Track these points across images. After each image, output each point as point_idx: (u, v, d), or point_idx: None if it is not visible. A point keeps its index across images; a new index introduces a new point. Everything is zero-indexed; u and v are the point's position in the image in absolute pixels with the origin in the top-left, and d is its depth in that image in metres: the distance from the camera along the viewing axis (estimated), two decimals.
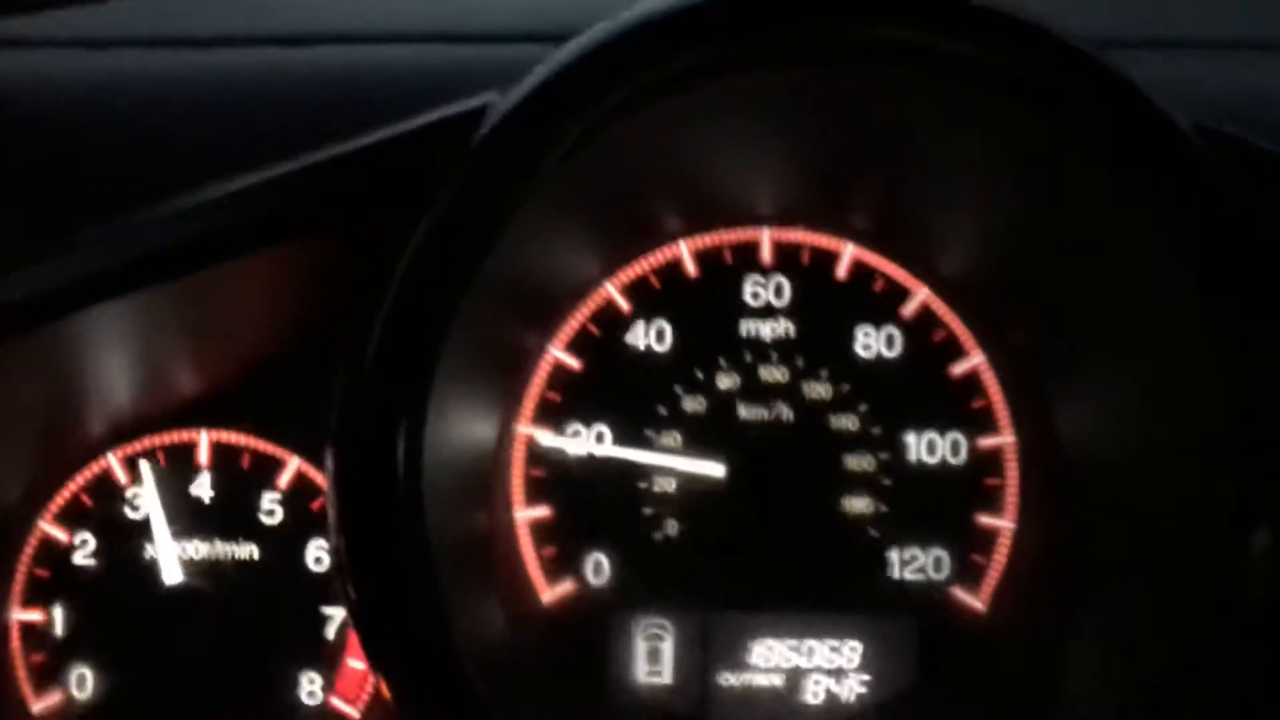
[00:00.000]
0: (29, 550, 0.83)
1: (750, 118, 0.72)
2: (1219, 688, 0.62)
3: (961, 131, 0.70)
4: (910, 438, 0.83)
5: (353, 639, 0.82)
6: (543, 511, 0.82)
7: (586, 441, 0.83)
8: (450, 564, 0.65)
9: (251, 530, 0.83)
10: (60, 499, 0.83)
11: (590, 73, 0.61)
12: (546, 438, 0.83)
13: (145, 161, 0.74)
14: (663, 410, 0.83)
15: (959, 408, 0.83)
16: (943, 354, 0.83)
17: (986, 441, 0.83)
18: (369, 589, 0.59)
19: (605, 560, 0.82)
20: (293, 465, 0.83)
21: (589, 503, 0.83)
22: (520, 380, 0.82)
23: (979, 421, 0.83)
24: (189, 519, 0.83)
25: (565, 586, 0.82)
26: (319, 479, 0.83)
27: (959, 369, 0.83)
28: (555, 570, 0.82)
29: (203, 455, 0.83)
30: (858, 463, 0.83)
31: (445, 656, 0.58)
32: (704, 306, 0.83)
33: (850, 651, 0.82)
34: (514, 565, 0.82)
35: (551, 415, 0.83)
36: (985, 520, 0.83)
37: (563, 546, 0.82)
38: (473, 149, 0.62)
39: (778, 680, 0.82)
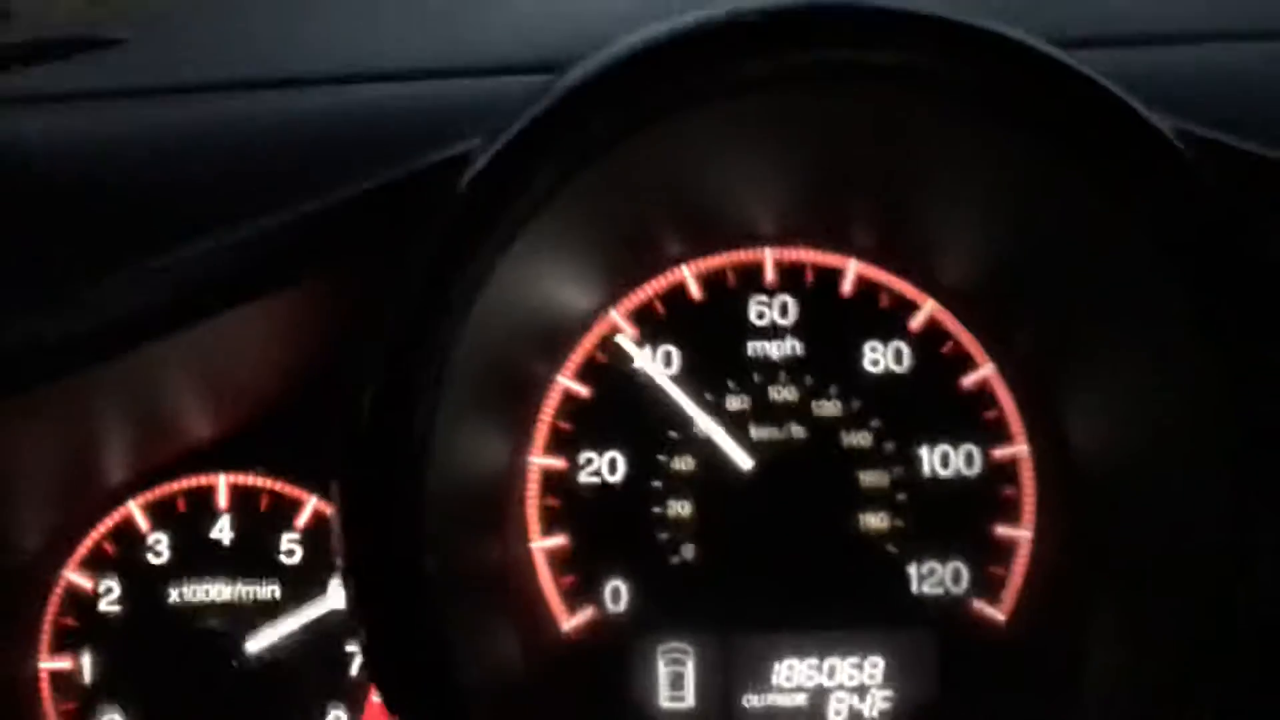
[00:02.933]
0: (55, 599, 0.84)
1: (749, 140, 0.72)
2: (1238, 690, 0.61)
3: (961, 148, 0.70)
4: (923, 451, 0.83)
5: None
6: (559, 541, 0.83)
7: (599, 469, 0.83)
8: (465, 598, 0.66)
9: (272, 570, 0.84)
10: (83, 547, 0.84)
11: (582, 103, 0.62)
12: (559, 466, 0.83)
13: (147, 211, 0.75)
14: (674, 435, 0.83)
15: (971, 419, 0.83)
16: (952, 366, 0.83)
17: (1000, 452, 0.83)
18: (376, 628, 0.60)
19: (624, 587, 0.82)
20: (310, 505, 0.84)
21: (605, 530, 0.83)
22: (530, 410, 0.83)
23: (991, 432, 0.83)
24: (210, 562, 0.84)
25: (585, 614, 0.82)
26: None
27: (969, 380, 0.83)
28: (574, 599, 0.82)
29: (221, 499, 0.84)
30: (872, 479, 0.82)
31: (458, 688, 0.59)
32: (710, 329, 0.84)
33: (872, 668, 0.82)
34: (533, 596, 0.82)
35: (563, 444, 0.83)
36: (1002, 531, 0.82)
37: (581, 575, 0.82)
38: (468, 181, 0.62)
39: (801, 700, 0.82)
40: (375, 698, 0.83)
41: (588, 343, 0.84)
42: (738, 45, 0.62)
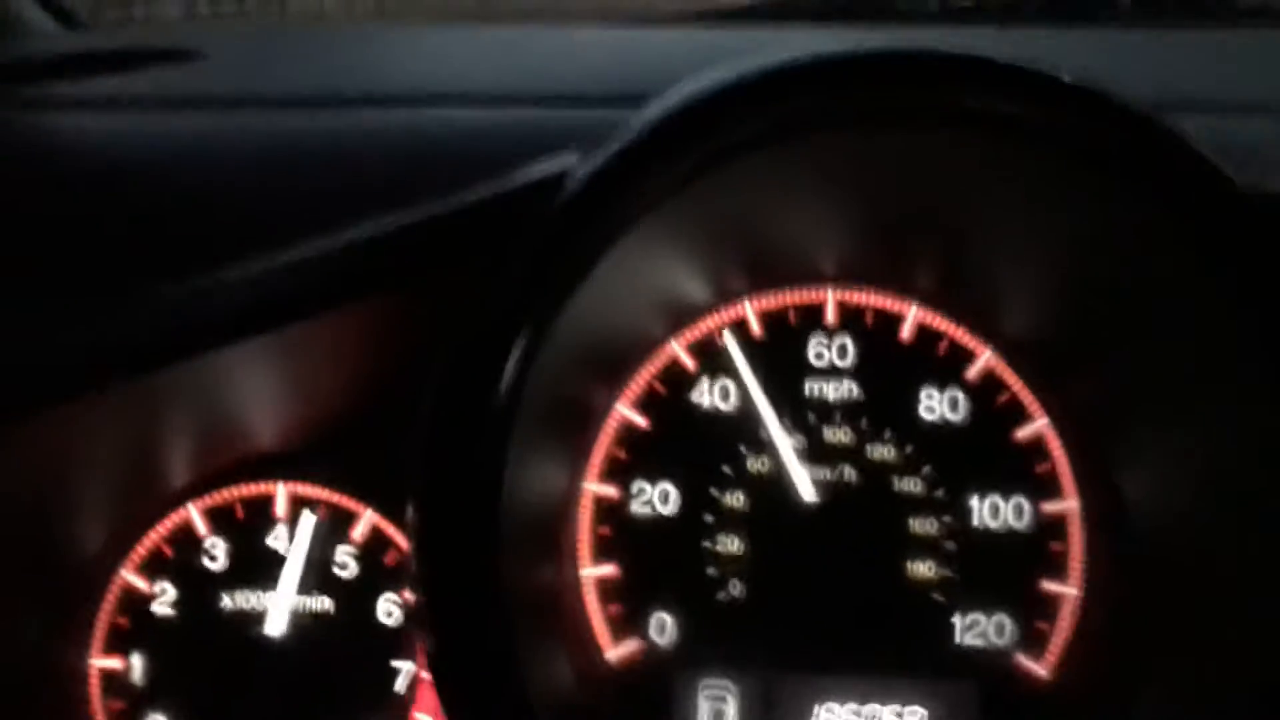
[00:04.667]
0: (110, 599, 0.85)
1: (820, 179, 0.74)
2: None
3: (1028, 198, 0.71)
4: (974, 502, 0.83)
5: (421, 692, 0.83)
6: (609, 569, 0.83)
7: (652, 500, 0.84)
8: (523, 620, 0.67)
9: (326, 583, 0.85)
10: (141, 549, 0.86)
11: (674, 134, 0.63)
12: (613, 495, 0.84)
13: (226, 220, 0.77)
14: (728, 470, 0.84)
15: (1023, 471, 0.83)
16: (1006, 417, 0.84)
17: (1050, 506, 0.83)
18: (447, 640, 0.60)
19: (670, 620, 0.83)
20: (367, 518, 0.85)
21: (654, 562, 0.83)
22: (589, 438, 0.84)
23: (1043, 486, 0.83)
24: (265, 570, 0.85)
25: (630, 645, 0.83)
26: (392, 533, 0.85)
27: (1023, 433, 0.84)
28: (620, 628, 0.83)
29: (280, 507, 0.86)
30: (922, 526, 0.83)
31: (520, 705, 0.60)
32: (769, 366, 0.85)
33: (913, 716, 0.82)
34: (580, 622, 0.83)
35: (619, 473, 0.84)
36: (1049, 586, 0.82)
37: (628, 605, 0.83)
38: (554, 209, 0.64)
39: None
40: (419, 716, 0.84)
41: (648, 373, 0.85)
42: (826, 85, 0.63)
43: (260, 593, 0.85)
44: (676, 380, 0.85)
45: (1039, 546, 0.83)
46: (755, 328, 0.85)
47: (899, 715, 0.82)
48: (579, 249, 0.64)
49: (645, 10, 1.34)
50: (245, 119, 0.85)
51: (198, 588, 0.85)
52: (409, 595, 0.83)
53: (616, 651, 0.83)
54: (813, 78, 0.63)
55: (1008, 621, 0.82)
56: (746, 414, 0.84)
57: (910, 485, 0.83)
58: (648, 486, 0.84)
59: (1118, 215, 0.67)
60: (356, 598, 0.84)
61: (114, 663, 0.85)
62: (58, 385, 0.71)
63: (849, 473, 0.83)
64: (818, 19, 1.11)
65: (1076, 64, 0.64)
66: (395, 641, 0.84)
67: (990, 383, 0.84)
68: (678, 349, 0.85)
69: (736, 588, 0.83)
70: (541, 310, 0.64)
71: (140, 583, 0.85)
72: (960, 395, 0.84)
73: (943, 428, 0.84)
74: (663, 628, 0.83)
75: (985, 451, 0.84)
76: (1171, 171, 0.63)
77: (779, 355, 0.85)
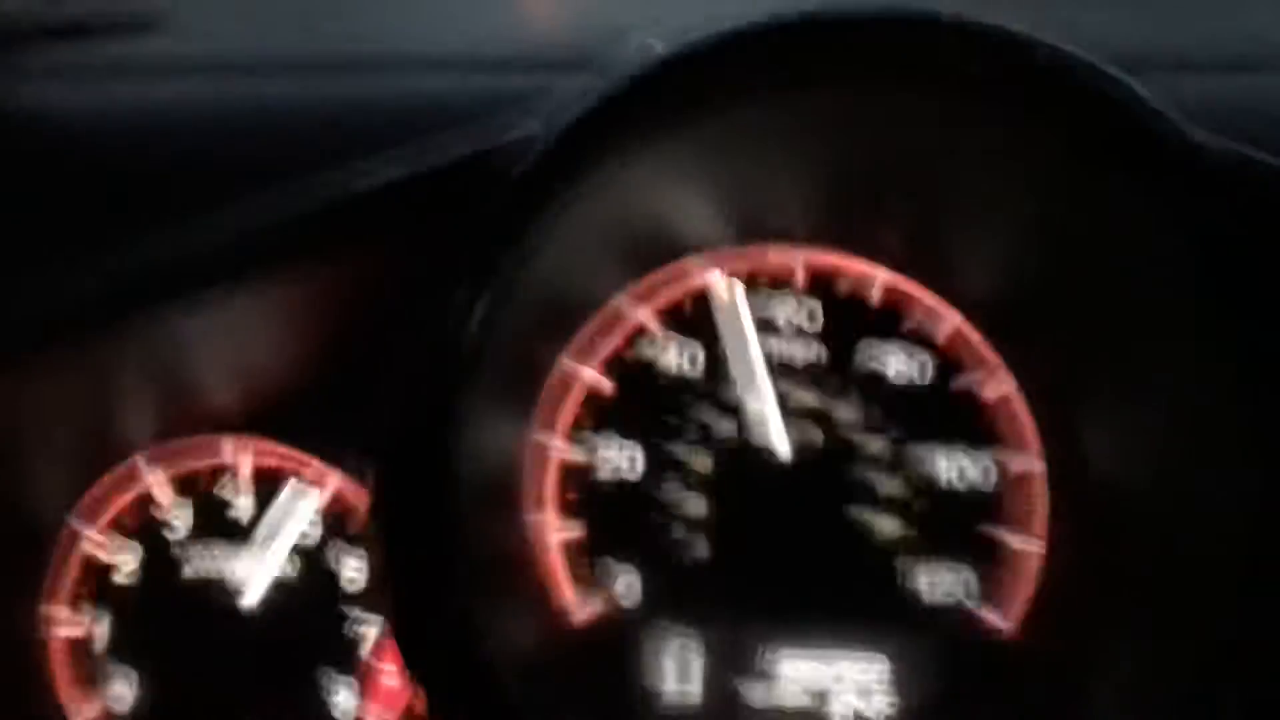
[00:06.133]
0: (72, 567, 0.84)
1: (789, 140, 0.73)
2: (1247, 709, 0.62)
3: (990, 158, 0.71)
4: (939, 461, 0.84)
5: (385, 656, 0.83)
6: (575, 532, 0.83)
7: (618, 462, 0.84)
8: (486, 580, 0.67)
9: (289, 548, 0.84)
10: (103, 516, 0.85)
11: (637, 97, 0.63)
12: (579, 459, 0.84)
13: (191, 185, 0.76)
14: (694, 434, 0.84)
15: (988, 431, 0.84)
16: (973, 378, 0.84)
17: (1015, 465, 0.84)
18: (408, 599, 0.60)
19: (636, 581, 0.83)
20: (330, 482, 0.85)
21: (620, 524, 0.83)
22: (554, 402, 0.84)
23: (1008, 445, 0.84)
24: (228, 536, 0.84)
25: (596, 606, 0.83)
26: (355, 499, 0.84)
27: (989, 393, 0.84)
28: (586, 589, 0.83)
29: (243, 472, 0.85)
30: (887, 485, 0.83)
31: (482, 666, 0.60)
32: (735, 329, 0.84)
33: (878, 671, 0.83)
34: (546, 584, 0.83)
35: (585, 437, 0.84)
36: (1013, 543, 0.83)
37: (594, 566, 0.83)
38: (518, 170, 0.63)
39: (805, 699, 0.83)
40: (385, 678, 0.84)
41: (614, 338, 0.84)
42: (799, 44, 0.63)
43: (223, 559, 0.84)
44: (642, 343, 0.85)
45: (1003, 504, 0.84)
46: (723, 291, 0.85)
47: (864, 670, 0.83)
48: (540, 211, 0.64)
49: None
50: (210, 84, 0.84)
51: (160, 555, 0.84)
52: (371, 559, 0.82)
53: (583, 612, 0.83)
54: (770, 41, 0.63)
55: (971, 577, 0.83)
56: (712, 376, 0.84)
57: (876, 445, 0.84)
58: (614, 450, 0.84)
59: (1078, 175, 0.67)
60: (320, 563, 0.84)
61: (76, 630, 0.84)
62: (12, 345, 0.70)
63: (815, 434, 0.84)
64: None
65: (1031, 20, 0.63)
66: (359, 605, 0.84)
67: (956, 344, 0.85)
68: (644, 312, 0.85)
69: (702, 548, 0.83)
70: (503, 271, 0.64)
71: (102, 551, 0.84)
72: (927, 357, 0.85)
73: (909, 389, 0.84)
74: (629, 589, 0.83)
75: (951, 412, 0.84)
76: (1126, 128, 0.63)
77: (745, 319, 0.85)
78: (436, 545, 0.61)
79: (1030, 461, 0.84)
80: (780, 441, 0.83)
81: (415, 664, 0.60)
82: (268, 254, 0.71)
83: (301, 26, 0.96)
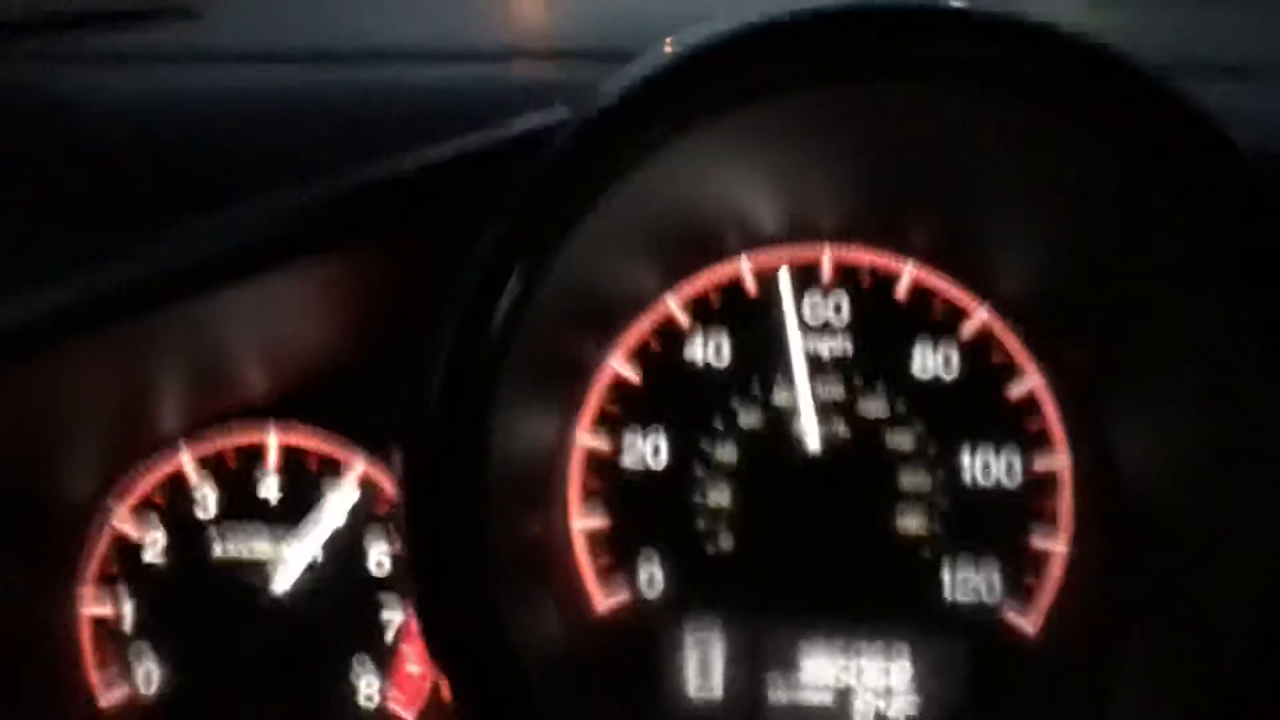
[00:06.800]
0: (101, 547, 0.86)
1: (820, 134, 0.73)
2: (1271, 712, 0.61)
3: (1023, 152, 0.70)
4: (965, 458, 0.83)
5: (411, 643, 0.84)
6: (599, 521, 0.83)
7: (643, 453, 0.84)
8: (511, 570, 0.67)
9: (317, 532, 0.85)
10: (133, 497, 0.86)
11: (667, 86, 0.62)
12: (604, 448, 0.84)
13: (220, 172, 0.77)
14: (719, 425, 0.84)
15: (1015, 428, 0.83)
16: (1000, 375, 0.84)
17: (1042, 463, 0.83)
18: (433, 586, 0.61)
19: (659, 572, 0.83)
20: (358, 468, 0.85)
21: (644, 514, 0.84)
22: (580, 391, 0.84)
23: (1035, 443, 0.83)
24: (255, 518, 0.85)
25: (619, 597, 0.83)
26: (384, 483, 0.85)
27: (1016, 390, 0.84)
28: (610, 580, 0.83)
29: (272, 457, 0.86)
30: (913, 481, 0.83)
31: (505, 654, 0.60)
32: (763, 323, 0.85)
33: (900, 671, 0.82)
34: (570, 573, 0.83)
35: (610, 426, 0.84)
36: (1039, 542, 0.83)
37: (617, 557, 0.83)
38: (546, 159, 0.63)
39: (827, 698, 0.83)
40: (408, 666, 0.84)
41: (641, 328, 0.84)
42: (825, 37, 0.63)
43: (251, 541, 0.85)
44: (670, 335, 0.85)
45: (1029, 503, 0.83)
46: (750, 284, 0.85)
47: (886, 671, 0.82)
48: (570, 201, 0.64)
49: None
50: (241, 73, 0.84)
51: (188, 536, 0.85)
52: (397, 544, 0.83)
53: (606, 603, 0.83)
54: (805, 32, 0.63)
55: (996, 577, 0.82)
56: (739, 369, 0.84)
57: (902, 441, 0.83)
58: (639, 440, 0.84)
59: (1112, 174, 0.66)
60: (347, 548, 0.85)
61: (105, 610, 0.85)
62: (48, 331, 0.71)
63: (841, 428, 0.83)
64: None
65: (1074, 19, 0.63)
66: (385, 592, 0.84)
67: (984, 340, 0.84)
68: (672, 304, 0.85)
69: (726, 540, 0.83)
70: (532, 260, 0.64)
71: (131, 530, 0.85)
72: (954, 353, 0.84)
73: (936, 384, 0.84)
74: (652, 580, 0.83)
75: (978, 408, 0.84)
76: (1166, 130, 0.62)
77: (773, 311, 0.84)
78: (462, 533, 0.61)
79: (1057, 460, 0.83)
80: (810, 434, 0.83)
81: (439, 651, 0.61)
82: (303, 240, 0.72)
83: (328, 19, 0.97)
